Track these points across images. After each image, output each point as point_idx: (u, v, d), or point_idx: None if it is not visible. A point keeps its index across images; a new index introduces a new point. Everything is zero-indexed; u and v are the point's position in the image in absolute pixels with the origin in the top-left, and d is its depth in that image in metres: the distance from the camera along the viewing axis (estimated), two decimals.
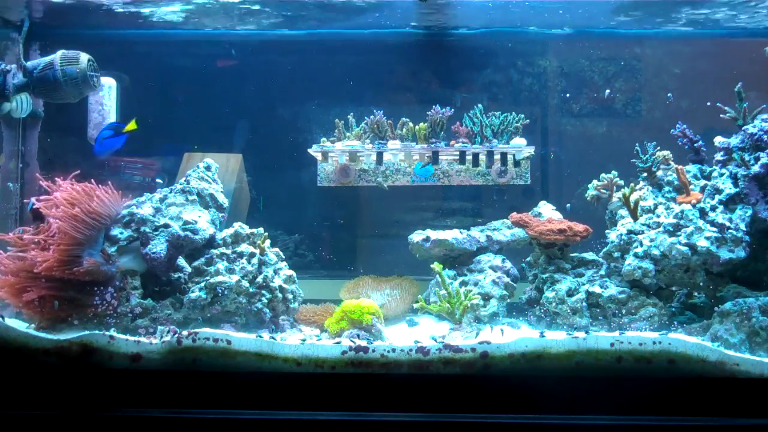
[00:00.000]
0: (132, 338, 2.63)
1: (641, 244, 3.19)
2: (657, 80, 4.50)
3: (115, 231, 3.19)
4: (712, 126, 3.63)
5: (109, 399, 2.49)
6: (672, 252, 3.06)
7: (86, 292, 3.00)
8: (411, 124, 3.96)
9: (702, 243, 2.99)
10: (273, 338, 2.67)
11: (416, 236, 3.79)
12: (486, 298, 3.46)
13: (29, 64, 3.51)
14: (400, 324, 3.49)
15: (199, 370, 2.53)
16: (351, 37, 4.37)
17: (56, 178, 3.16)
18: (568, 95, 4.56)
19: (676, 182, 3.45)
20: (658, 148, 3.60)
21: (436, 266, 3.42)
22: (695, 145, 3.52)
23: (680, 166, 3.40)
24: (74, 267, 2.94)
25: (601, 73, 4.51)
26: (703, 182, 3.38)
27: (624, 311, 3.18)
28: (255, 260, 3.29)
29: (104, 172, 4.38)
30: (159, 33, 4.31)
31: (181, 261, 3.40)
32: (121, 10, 3.87)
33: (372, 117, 3.94)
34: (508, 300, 3.52)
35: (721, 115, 3.33)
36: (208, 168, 3.57)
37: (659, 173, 3.57)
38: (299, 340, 2.62)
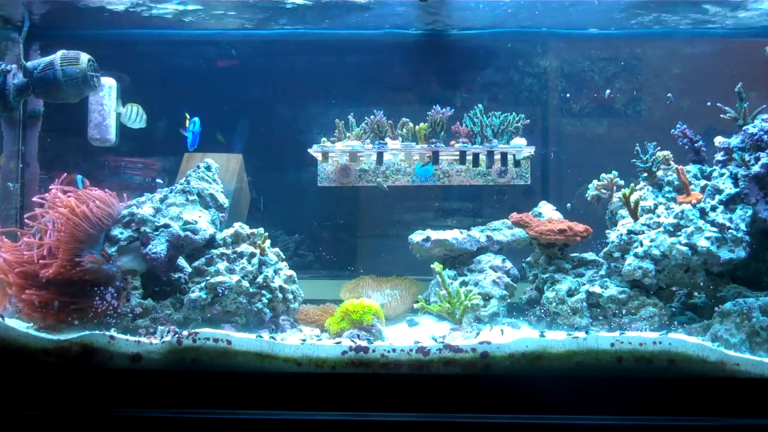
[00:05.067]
0: (132, 338, 2.63)
1: (641, 244, 3.19)
2: (657, 80, 4.50)
3: (116, 231, 3.19)
4: (713, 126, 3.63)
5: (109, 399, 2.49)
6: (672, 252, 3.06)
7: (87, 292, 3.00)
8: (411, 124, 3.96)
9: (702, 243, 2.99)
10: (273, 338, 2.67)
11: (416, 236, 3.79)
12: (486, 298, 3.46)
13: (29, 64, 3.51)
14: (400, 324, 3.49)
15: (199, 370, 2.53)
16: (351, 37, 4.37)
17: (55, 182, 3.16)
18: (568, 95, 4.56)
19: (676, 182, 3.45)
20: (659, 148, 3.60)
21: (437, 266, 3.42)
22: (695, 145, 3.52)
23: (680, 166, 3.40)
24: (76, 266, 2.94)
25: (601, 73, 4.52)
26: (703, 182, 3.38)
27: (624, 311, 3.18)
28: (255, 260, 3.29)
29: (104, 172, 4.39)
30: (159, 33, 4.31)
31: (182, 261, 3.40)
32: (121, 8, 3.87)
33: (372, 117, 3.94)
34: (509, 300, 3.52)
35: (722, 115, 3.33)
36: (208, 168, 3.57)
37: (659, 173, 3.56)
38: (299, 340, 2.62)
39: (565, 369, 2.47)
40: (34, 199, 3.18)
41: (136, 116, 3.90)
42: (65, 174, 3.20)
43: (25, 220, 3.17)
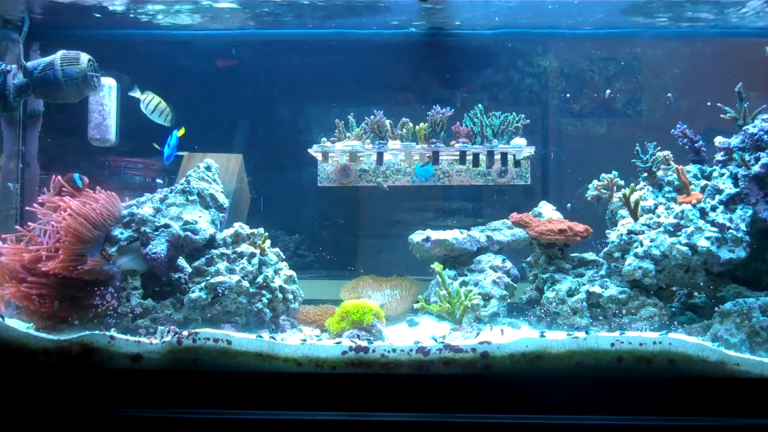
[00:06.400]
0: (132, 338, 2.63)
1: (641, 244, 3.19)
2: (657, 80, 4.50)
3: (116, 231, 3.19)
4: (713, 126, 3.63)
5: (109, 399, 2.49)
6: (672, 252, 3.06)
7: (87, 292, 3.00)
8: (411, 124, 3.96)
9: (702, 243, 2.99)
10: (273, 338, 2.67)
11: (417, 236, 3.79)
12: (486, 298, 3.46)
13: (29, 64, 3.51)
14: (400, 324, 3.49)
15: (199, 370, 2.53)
16: (351, 37, 4.37)
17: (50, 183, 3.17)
18: (568, 95, 4.56)
19: (676, 182, 3.45)
20: (659, 148, 3.60)
21: (437, 266, 3.42)
22: (696, 145, 3.52)
23: (680, 166, 3.40)
24: (78, 265, 2.94)
25: (601, 73, 4.51)
26: (703, 182, 3.38)
27: (624, 311, 3.18)
28: (255, 260, 3.29)
29: (104, 172, 4.38)
30: (159, 33, 4.31)
31: (182, 261, 3.40)
32: (120, 9, 3.87)
33: (372, 117, 3.94)
34: (509, 300, 3.53)
35: (722, 115, 3.33)
36: (208, 168, 3.57)
37: (659, 173, 3.56)
38: (299, 340, 2.62)
39: (565, 369, 2.47)
40: (39, 199, 3.18)
41: (154, 108, 3.84)
42: (61, 175, 3.20)
43: (29, 218, 3.17)
